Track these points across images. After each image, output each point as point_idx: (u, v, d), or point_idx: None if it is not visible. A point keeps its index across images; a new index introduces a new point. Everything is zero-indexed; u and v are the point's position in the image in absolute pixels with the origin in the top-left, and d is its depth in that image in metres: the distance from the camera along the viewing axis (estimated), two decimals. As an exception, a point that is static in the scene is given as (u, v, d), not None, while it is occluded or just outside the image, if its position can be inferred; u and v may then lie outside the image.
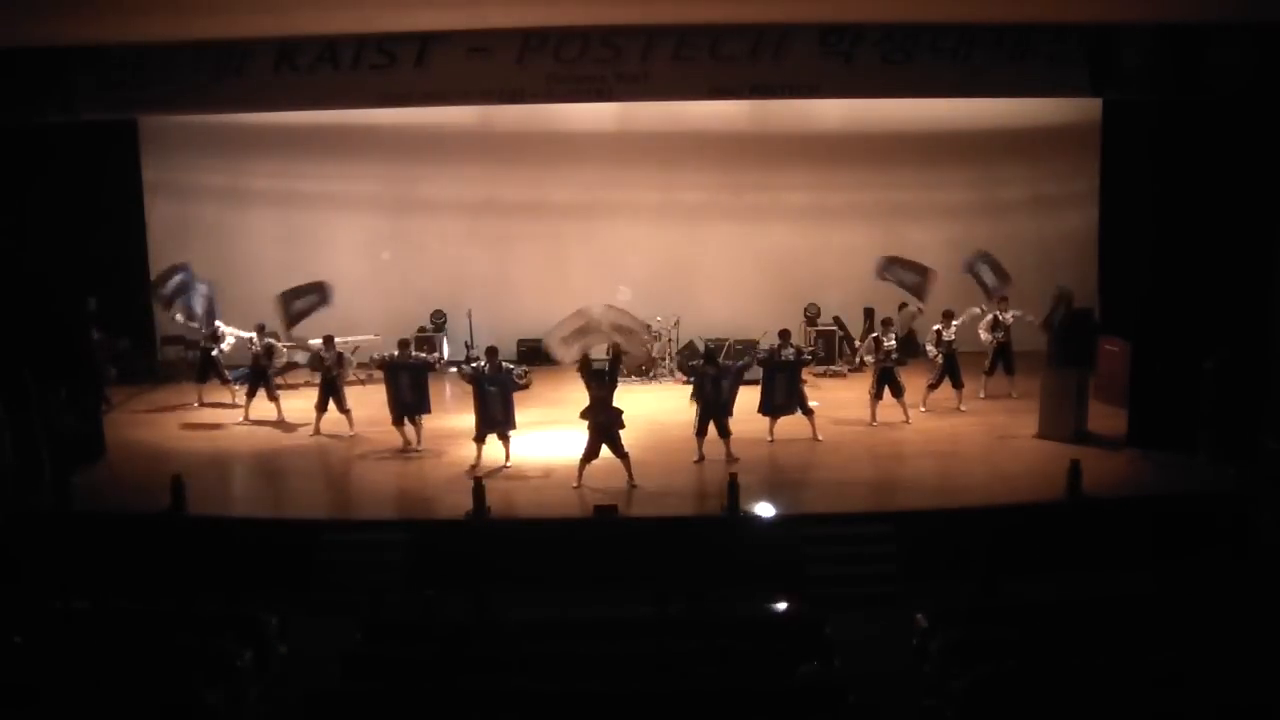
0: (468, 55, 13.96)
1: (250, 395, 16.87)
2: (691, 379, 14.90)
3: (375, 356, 15.72)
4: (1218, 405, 14.34)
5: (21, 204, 14.48)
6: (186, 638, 10.14)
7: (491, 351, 14.79)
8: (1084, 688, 9.01)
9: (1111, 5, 13.44)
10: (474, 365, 14.94)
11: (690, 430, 15.02)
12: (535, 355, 18.83)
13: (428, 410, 15.50)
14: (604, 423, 13.97)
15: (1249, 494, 13.39)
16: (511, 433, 14.66)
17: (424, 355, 15.99)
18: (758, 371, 15.49)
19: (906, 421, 16.19)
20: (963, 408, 16.81)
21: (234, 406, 17.51)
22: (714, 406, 14.70)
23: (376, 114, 17.88)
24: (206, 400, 17.71)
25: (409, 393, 15.22)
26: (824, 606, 11.61)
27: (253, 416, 17.02)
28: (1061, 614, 10.63)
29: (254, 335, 16.73)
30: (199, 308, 16.89)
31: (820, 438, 15.58)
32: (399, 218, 20.05)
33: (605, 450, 14.01)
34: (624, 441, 14.09)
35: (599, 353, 15.19)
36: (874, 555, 12.71)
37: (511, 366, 14.93)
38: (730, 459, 14.57)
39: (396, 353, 15.33)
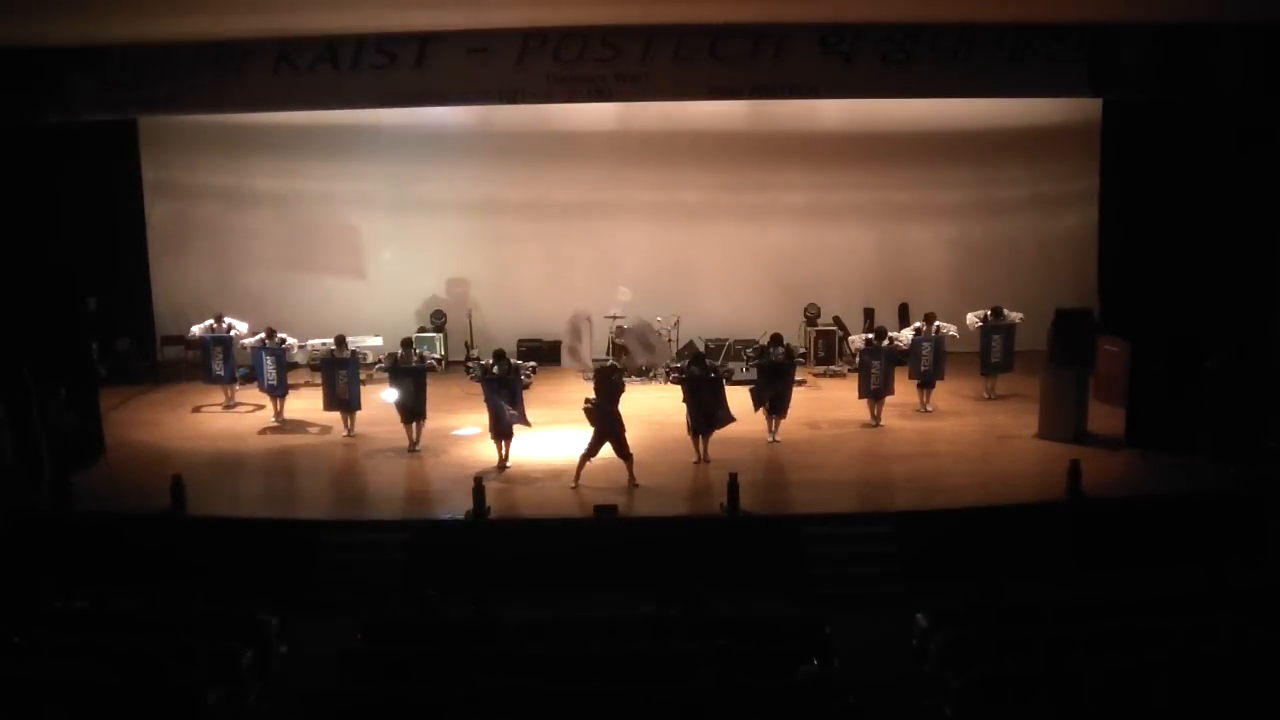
0: (468, 55, 13.95)
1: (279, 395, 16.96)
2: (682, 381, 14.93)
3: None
4: (1218, 405, 14.34)
5: (21, 204, 14.47)
6: (186, 638, 10.13)
7: (499, 354, 14.85)
8: (1083, 687, 9.02)
9: (1111, 5, 13.42)
10: (482, 366, 14.97)
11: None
12: (536, 355, 18.87)
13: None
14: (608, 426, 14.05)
15: (1252, 494, 13.38)
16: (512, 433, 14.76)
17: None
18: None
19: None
20: (928, 408, 16.96)
21: (231, 408, 17.66)
22: (705, 407, 14.72)
23: (376, 114, 17.87)
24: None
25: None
26: (824, 606, 11.62)
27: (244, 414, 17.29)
28: (1061, 614, 10.63)
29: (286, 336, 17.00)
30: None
31: (778, 439, 15.60)
32: (399, 218, 20.05)
33: (606, 449, 14.02)
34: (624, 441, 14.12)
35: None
36: (874, 555, 12.72)
37: (519, 364, 15.01)
38: (704, 457, 14.68)
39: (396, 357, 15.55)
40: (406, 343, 15.85)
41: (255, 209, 19.98)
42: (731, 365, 17.91)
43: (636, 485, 13.95)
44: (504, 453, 14.82)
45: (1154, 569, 12.25)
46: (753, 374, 16.22)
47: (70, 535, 13.08)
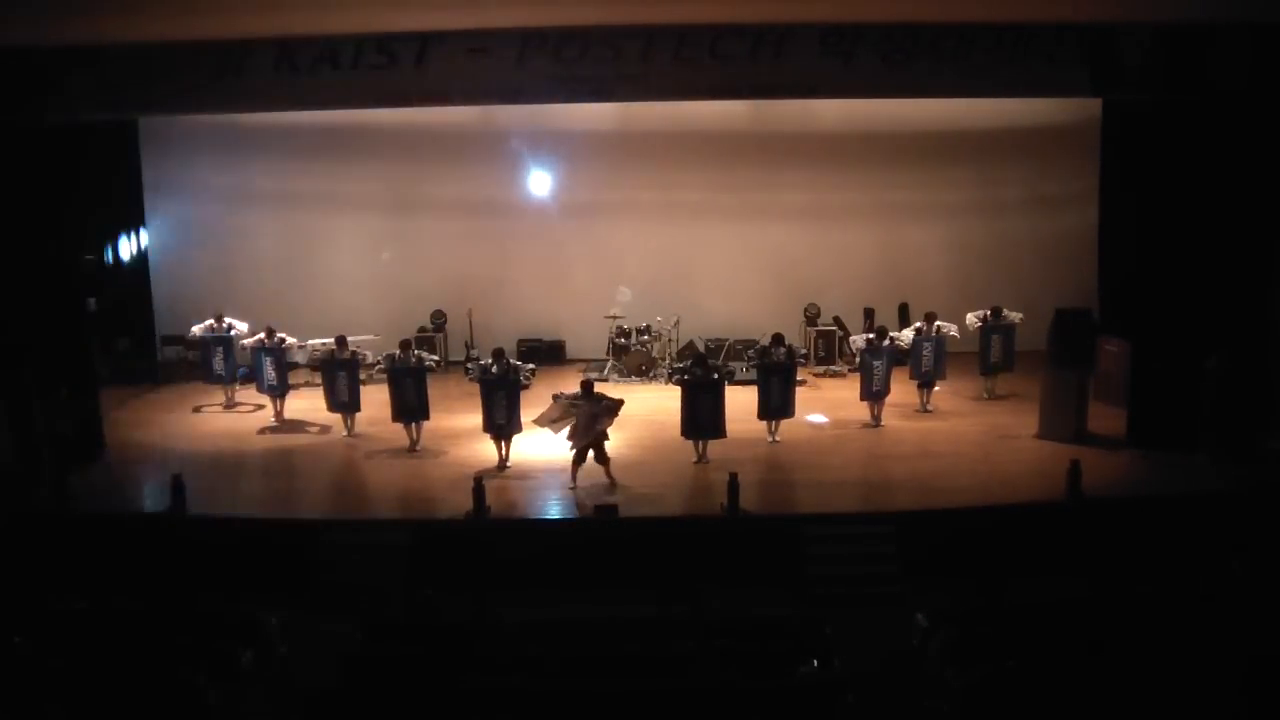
0: (468, 55, 13.92)
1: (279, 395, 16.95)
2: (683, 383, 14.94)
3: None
4: (1218, 405, 14.33)
5: (22, 204, 14.47)
6: (187, 638, 10.14)
7: (498, 353, 14.92)
8: (1083, 687, 9.02)
9: (1111, 5, 13.42)
10: (481, 365, 15.01)
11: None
12: (536, 355, 18.90)
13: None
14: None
15: (1252, 494, 13.38)
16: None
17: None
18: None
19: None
20: (929, 408, 16.98)
21: (231, 407, 17.66)
22: (699, 415, 14.72)
23: (376, 114, 17.86)
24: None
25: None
26: (824, 606, 11.62)
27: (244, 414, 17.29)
28: (1061, 614, 10.63)
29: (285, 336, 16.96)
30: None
31: (778, 439, 15.60)
32: (399, 218, 20.04)
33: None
34: (624, 440, 14.12)
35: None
36: (874, 555, 12.72)
37: (518, 364, 15.03)
38: (704, 457, 14.70)
39: (396, 355, 15.52)
40: (405, 344, 15.85)
41: (255, 209, 19.98)
42: (732, 365, 17.92)
43: (615, 484, 14.00)
44: (504, 452, 14.84)
45: (1154, 569, 12.23)
46: (753, 374, 16.20)
47: (70, 535, 13.08)
